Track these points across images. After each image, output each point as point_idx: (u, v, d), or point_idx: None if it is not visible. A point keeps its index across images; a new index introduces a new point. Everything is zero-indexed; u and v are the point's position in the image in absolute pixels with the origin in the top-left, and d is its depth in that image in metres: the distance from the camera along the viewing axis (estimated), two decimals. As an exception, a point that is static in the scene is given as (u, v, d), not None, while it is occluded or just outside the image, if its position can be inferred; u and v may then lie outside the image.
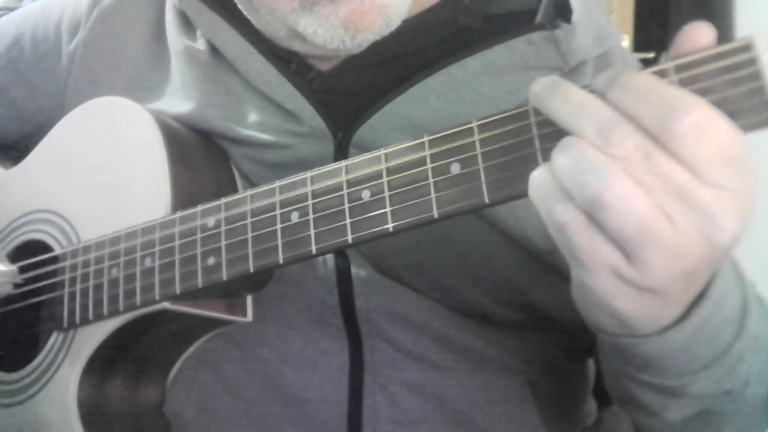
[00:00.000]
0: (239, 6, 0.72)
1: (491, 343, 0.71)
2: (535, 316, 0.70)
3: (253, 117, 0.72)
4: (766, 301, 0.62)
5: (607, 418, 0.84)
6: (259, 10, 0.68)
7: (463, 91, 0.68)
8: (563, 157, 0.42)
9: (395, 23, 0.66)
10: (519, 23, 0.70)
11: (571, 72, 0.69)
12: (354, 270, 0.69)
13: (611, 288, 0.44)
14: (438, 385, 0.70)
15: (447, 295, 0.69)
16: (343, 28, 0.63)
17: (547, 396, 0.74)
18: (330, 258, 0.69)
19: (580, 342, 0.74)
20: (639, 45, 1.58)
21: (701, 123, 0.39)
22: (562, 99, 0.44)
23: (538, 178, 0.44)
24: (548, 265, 0.66)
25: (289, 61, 0.73)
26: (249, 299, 0.71)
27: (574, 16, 0.69)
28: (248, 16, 0.72)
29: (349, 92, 0.71)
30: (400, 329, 0.69)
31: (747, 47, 0.41)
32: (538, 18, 0.70)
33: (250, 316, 0.71)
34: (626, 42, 1.56)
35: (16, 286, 0.73)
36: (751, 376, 0.58)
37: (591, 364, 0.82)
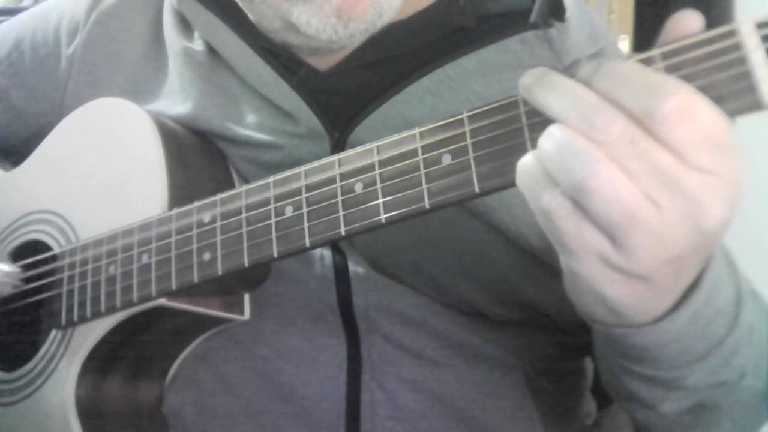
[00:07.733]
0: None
1: (489, 340, 0.71)
2: (532, 314, 0.70)
3: (250, 117, 0.72)
4: (762, 296, 0.62)
5: (607, 417, 0.84)
6: (253, 0, 0.68)
7: (458, 90, 0.68)
8: (549, 143, 0.42)
9: (388, 15, 0.66)
10: (513, 22, 0.70)
11: (565, 71, 0.69)
12: (352, 267, 0.69)
13: (599, 274, 0.44)
14: (436, 382, 0.70)
15: (444, 293, 0.69)
16: (336, 17, 0.63)
17: (544, 393, 0.74)
18: (328, 256, 0.69)
19: (577, 340, 0.73)
20: (639, 45, 1.57)
21: (684, 106, 0.39)
22: (549, 87, 0.44)
23: (524, 164, 0.44)
24: (544, 263, 0.66)
25: (278, 55, 0.73)
26: (246, 297, 0.71)
27: (567, 15, 0.69)
28: (243, 8, 0.72)
29: (346, 92, 0.71)
30: (397, 326, 0.69)
31: (732, 33, 0.41)
32: (533, 17, 0.70)
33: (247, 315, 0.71)
34: (626, 42, 1.55)
35: (15, 285, 0.73)
36: (746, 369, 0.57)
37: (589, 362, 0.82)
